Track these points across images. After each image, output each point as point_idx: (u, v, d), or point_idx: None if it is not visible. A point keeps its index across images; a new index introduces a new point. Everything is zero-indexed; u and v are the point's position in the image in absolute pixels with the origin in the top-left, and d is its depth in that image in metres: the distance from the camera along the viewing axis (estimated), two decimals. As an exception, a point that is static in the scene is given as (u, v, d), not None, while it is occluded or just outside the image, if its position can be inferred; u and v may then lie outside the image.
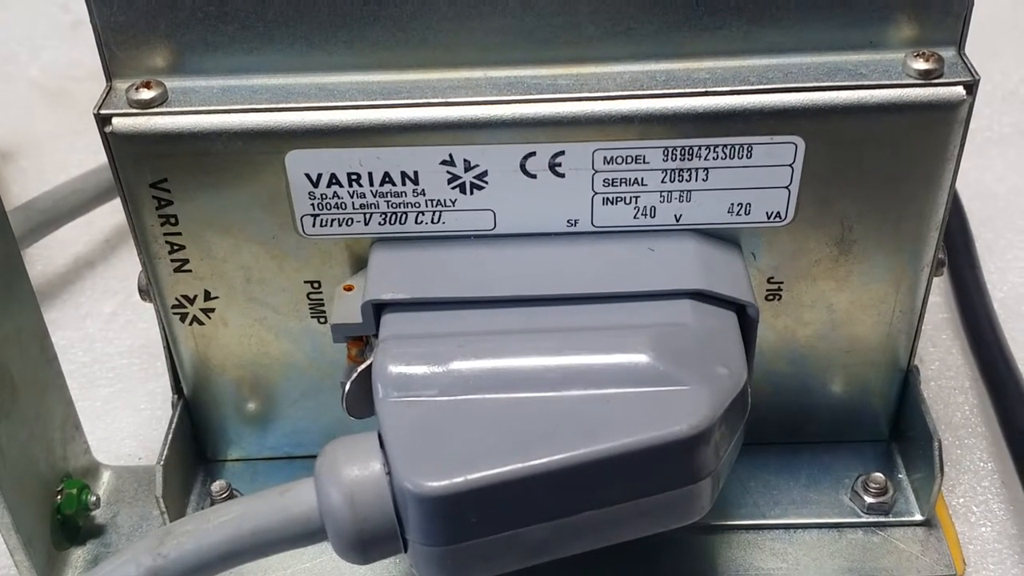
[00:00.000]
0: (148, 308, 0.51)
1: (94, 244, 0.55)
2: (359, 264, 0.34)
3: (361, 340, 0.32)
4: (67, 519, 0.35)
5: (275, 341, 0.35)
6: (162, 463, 0.35)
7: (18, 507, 0.32)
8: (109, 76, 0.32)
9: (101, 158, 0.54)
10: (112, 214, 0.55)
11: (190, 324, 0.35)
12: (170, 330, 0.35)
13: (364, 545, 0.26)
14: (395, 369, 0.28)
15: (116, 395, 0.45)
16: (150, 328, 0.50)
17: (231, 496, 0.36)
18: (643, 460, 0.25)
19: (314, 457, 0.37)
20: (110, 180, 0.53)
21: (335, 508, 0.26)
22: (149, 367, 0.47)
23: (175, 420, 0.37)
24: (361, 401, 0.30)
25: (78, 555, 0.36)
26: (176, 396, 0.37)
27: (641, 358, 0.28)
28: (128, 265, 0.54)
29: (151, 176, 0.32)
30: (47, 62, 0.67)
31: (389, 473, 0.26)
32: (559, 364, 0.28)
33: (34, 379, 0.34)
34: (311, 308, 0.35)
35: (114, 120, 0.31)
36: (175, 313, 0.35)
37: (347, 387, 0.30)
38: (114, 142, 0.31)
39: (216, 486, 0.36)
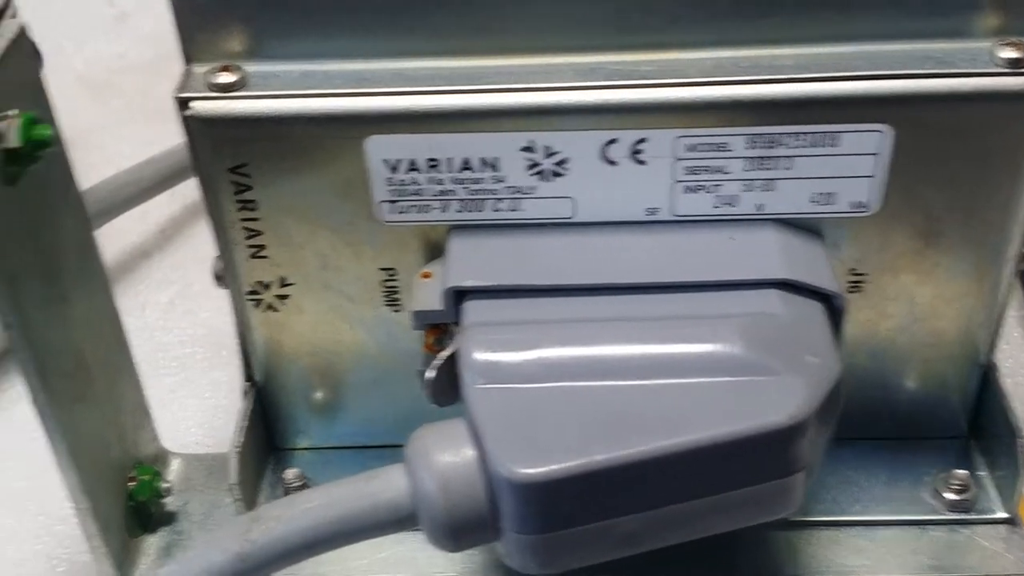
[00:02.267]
0: (206, 297, 0.51)
1: (148, 235, 0.55)
2: (433, 251, 0.33)
3: (439, 328, 0.32)
4: (140, 506, 0.35)
5: (348, 329, 0.35)
6: (238, 450, 0.34)
7: (95, 492, 0.32)
8: (187, 60, 0.32)
9: (149, 150, 0.55)
10: (166, 205, 0.56)
11: (264, 311, 0.35)
12: (244, 317, 0.35)
13: (457, 532, 0.25)
14: (483, 356, 0.28)
15: (180, 384, 0.45)
16: (210, 317, 0.50)
17: (305, 485, 0.36)
18: (740, 450, 0.25)
19: (382, 447, 0.38)
20: (163, 170, 0.54)
21: (429, 494, 0.25)
22: (212, 356, 0.47)
23: (248, 407, 0.36)
24: (446, 389, 0.30)
25: (151, 543, 0.36)
26: (248, 383, 0.37)
27: (733, 347, 0.27)
28: (184, 255, 0.54)
29: (230, 161, 0.31)
30: (91, 55, 0.68)
31: (482, 460, 0.25)
32: (649, 352, 0.27)
33: (107, 363, 0.34)
34: (385, 296, 0.34)
35: (194, 104, 0.31)
36: (249, 299, 0.35)
37: (431, 375, 0.30)
38: (193, 126, 0.31)
39: (290, 474, 0.36)
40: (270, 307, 0.35)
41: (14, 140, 0.27)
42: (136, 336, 0.48)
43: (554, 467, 0.24)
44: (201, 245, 0.55)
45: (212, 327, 0.49)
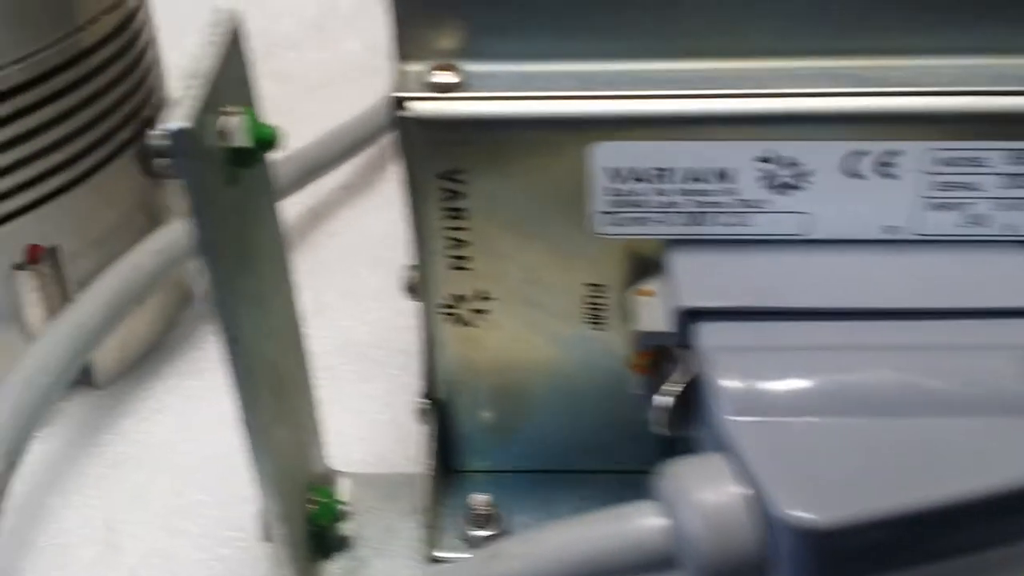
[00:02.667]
0: (347, 306, 0.49)
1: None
2: (641, 267, 0.31)
3: (656, 350, 0.30)
4: (320, 531, 0.33)
5: (543, 346, 0.33)
6: (430, 473, 0.32)
7: (290, 517, 0.30)
8: (400, 58, 0.30)
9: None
10: (296, 212, 0.54)
11: (457, 325, 0.33)
12: (433, 331, 0.33)
13: (723, 577, 0.23)
14: (738, 385, 0.25)
15: (332, 397, 0.43)
16: (352, 327, 0.48)
17: (494, 513, 0.34)
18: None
19: (560, 472, 0.36)
20: (294, 173, 0.53)
21: (695, 536, 0.23)
22: (358, 368, 0.45)
23: (434, 427, 0.34)
24: (678, 416, 0.27)
25: (329, 570, 0.34)
26: (427, 401, 0.35)
27: (1018, 383, 0.25)
28: (319, 261, 0.52)
29: (443, 165, 0.29)
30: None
31: (755, 500, 0.23)
32: (925, 386, 0.25)
33: (293, 378, 0.32)
34: (587, 312, 0.32)
35: (410, 104, 0.29)
36: (443, 313, 0.32)
37: (666, 401, 0.28)
38: (408, 127, 0.29)
39: (478, 500, 0.34)
40: (465, 321, 0.33)
41: (243, 140, 0.25)
42: None
43: (845, 514, 0.22)
44: (331, 251, 0.53)
45: (351, 338, 0.47)
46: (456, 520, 0.35)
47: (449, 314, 0.32)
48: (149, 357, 0.45)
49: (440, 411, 0.35)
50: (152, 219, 0.43)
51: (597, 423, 0.35)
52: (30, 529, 0.38)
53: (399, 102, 0.29)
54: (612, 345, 0.33)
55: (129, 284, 0.39)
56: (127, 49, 0.40)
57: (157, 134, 0.24)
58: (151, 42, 0.43)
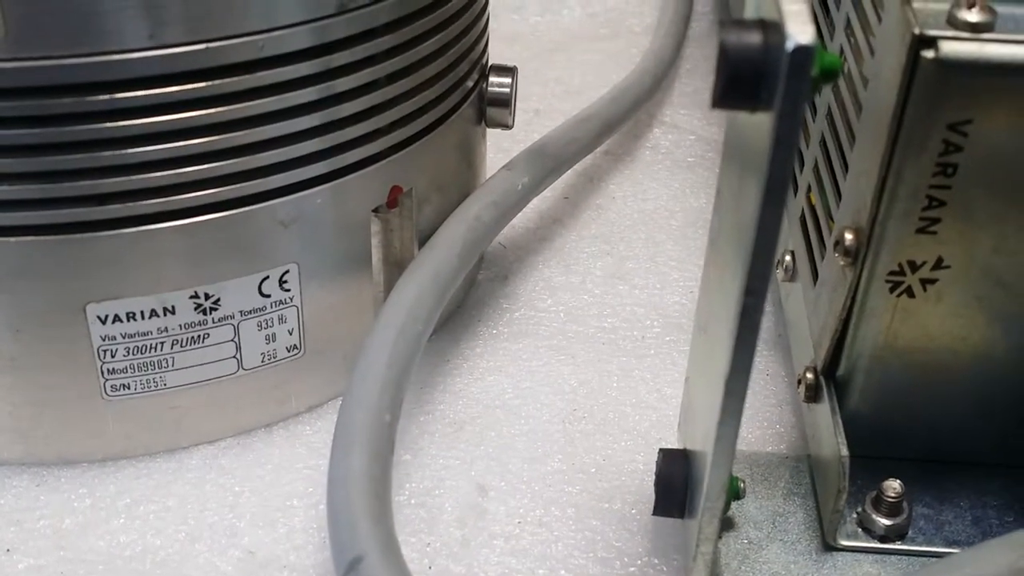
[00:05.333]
0: (640, 271, 0.46)
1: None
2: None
3: None
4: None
5: (983, 325, 0.30)
6: (841, 455, 0.30)
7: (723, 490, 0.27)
8: (913, -8, 0.27)
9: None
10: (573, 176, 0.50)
11: (898, 296, 0.30)
12: (866, 300, 0.30)
13: None
14: None
15: (662, 367, 0.40)
16: (653, 294, 0.44)
17: (905, 500, 0.31)
18: None
19: (961, 463, 0.33)
20: (593, 132, 0.49)
21: None
22: (675, 337, 0.41)
23: (832, 405, 0.31)
24: None
25: (722, 551, 0.31)
26: (823, 378, 0.32)
27: None
28: (602, 227, 0.48)
29: (954, 115, 0.26)
30: None
31: None
32: None
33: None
34: (1043, 293, 0.29)
35: (943, 44, 0.26)
36: (887, 281, 0.29)
37: None
38: (931, 70, 0.26)
39: (890, 487, 0.31)
40: (907, 291, 0.30)
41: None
42: (590, 310, 0.43)
43: None
44: (612, 218, 0.50)
45: (654, 304, 0.43)
46: (865, 507, 0.32)
47: (893, 283, 0.30)
48: (454, 317, 0.42)
49: (837, 389, 0.32)
50: (474, 168, 0.41)
51: (1011, 415, 0.32)
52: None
53: (925, 41, 0.26)
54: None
55: (475, 235, 0.36)
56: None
57: (751, 48, 0.21)
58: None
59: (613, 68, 0.58)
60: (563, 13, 0.65)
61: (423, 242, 0.37)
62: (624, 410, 0.38)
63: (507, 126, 0.41)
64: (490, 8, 0.40)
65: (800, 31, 0.21)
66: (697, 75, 0.60)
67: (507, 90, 0.40)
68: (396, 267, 0.37)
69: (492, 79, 0.40)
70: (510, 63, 0.41)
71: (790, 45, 0.21)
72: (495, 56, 0.42)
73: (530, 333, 0.41)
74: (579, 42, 0.63)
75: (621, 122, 0.50)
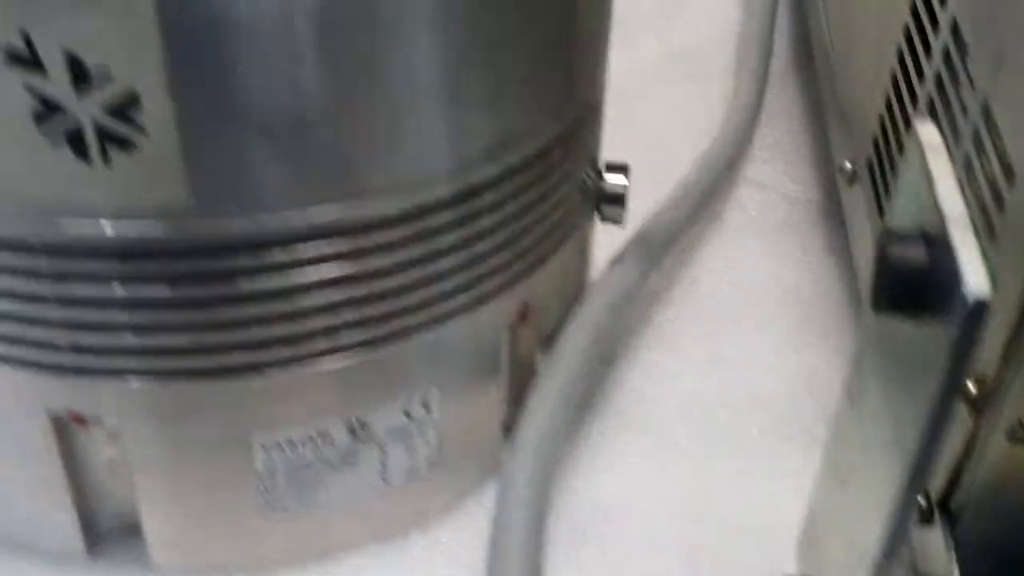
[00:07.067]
0: (732, 359, 0.46)
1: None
2: None
3: None
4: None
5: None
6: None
7: None
8: None
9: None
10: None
11: (1018, 447, 0.31)
12: (982, 449, 0.31)
13: None
14: None
15: (745, 472, 0.42)
16: (755, 376, 0.46)
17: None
18: None
19: None
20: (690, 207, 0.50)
21: None
22: (772, 435, 0.43)
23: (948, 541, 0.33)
24: None
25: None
26: (927, 507, 0.34)
27: None
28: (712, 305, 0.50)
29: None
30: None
31: None
32: None
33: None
34: None
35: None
36: (1010, 434, 0.31)
37: None
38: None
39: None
40: (1026, 443, 0.31)
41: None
42: (675, 398, 0.44)
43: None
44: (705, 292, 0.50)
45: (756, 395, 0.44)
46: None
47: (1016, 438, 0.31)
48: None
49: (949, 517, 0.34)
50: (586, 259, 0.43)
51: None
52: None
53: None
54: None
55: (597, 343, 0.38)
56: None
57: (916, 264, 0.23)
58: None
59: (694, 114, 0.59)
60: (639, 49, 0.64)
61: (544, 339, 0.39)
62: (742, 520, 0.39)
63: (619, 223, 0.42)
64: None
65: (975, 280, 0.22)
66: (777, 125, 0.60)
67: (622, 191, 0.41)
68: (520, 368, 0.39)
69: (607, 177, 0.41)
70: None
71: (968, 298, 0.22)
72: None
73: (635, 427, 0.43)
74: (657, 86, 0.62)
75: (716, 191, 0.51)
